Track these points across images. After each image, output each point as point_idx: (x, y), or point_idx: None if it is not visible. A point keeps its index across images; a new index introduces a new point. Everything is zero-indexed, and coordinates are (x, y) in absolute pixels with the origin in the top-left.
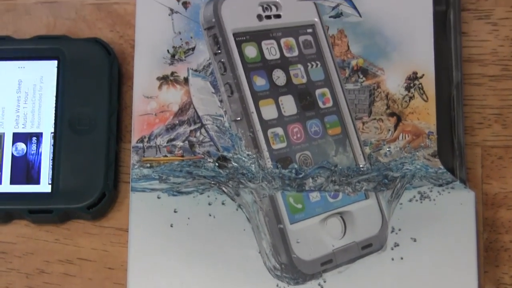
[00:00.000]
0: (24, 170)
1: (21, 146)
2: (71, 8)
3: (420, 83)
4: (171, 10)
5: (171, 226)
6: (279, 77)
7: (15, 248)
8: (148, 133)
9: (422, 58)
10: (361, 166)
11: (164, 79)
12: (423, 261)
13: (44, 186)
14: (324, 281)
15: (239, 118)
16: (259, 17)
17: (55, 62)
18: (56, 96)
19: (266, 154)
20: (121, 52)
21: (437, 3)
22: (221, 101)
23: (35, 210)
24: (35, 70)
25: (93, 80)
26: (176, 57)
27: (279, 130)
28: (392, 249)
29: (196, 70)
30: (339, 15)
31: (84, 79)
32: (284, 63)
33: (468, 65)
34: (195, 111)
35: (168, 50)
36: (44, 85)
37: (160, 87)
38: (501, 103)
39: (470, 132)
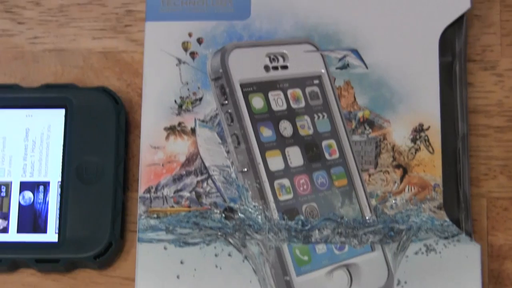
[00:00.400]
0: (31, 219)
1: (28, 195)
2: (78, 56)
3: (426, 135)
4: (179, 60)
5: (178, 277)
6: (285, 128)
7: None
8: (155, 184)
9: (428, 109)
10: (367, 218)
11: (172, 130)
12: None
13: (51, 235)
14: None
15: (245, 169)
16: (266, 68)
17: (63, 111)
18: (64, 145)
19: (272, 205)
20: (128, 101)
21: (443, 54)
22: (228, 152)
23: (42, 259)
24: (42, 119)
25: (101, 129)
26: (184, 107)
27: (286, 182)
28: None
29: (203, 121)
30: (345, 66)
31: (91, 128)
32: (291, 114)
33: (474, 116)
34: (202, 161)
35: (175, 101)
36: (51, 134)
37: (167, 137)
38: (506, 155)
39: (475, 183)
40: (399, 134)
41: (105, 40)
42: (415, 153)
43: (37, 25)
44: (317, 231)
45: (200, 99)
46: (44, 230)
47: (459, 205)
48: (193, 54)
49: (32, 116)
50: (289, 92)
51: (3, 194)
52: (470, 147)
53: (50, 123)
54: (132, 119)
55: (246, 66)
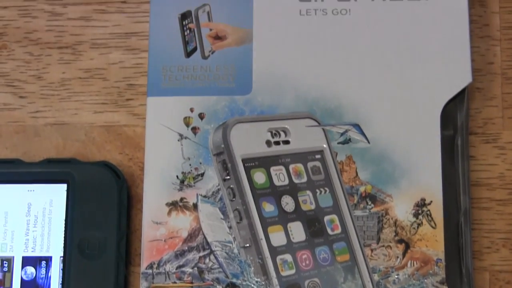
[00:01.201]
0: None
1: (31, 270)
2: (80, 130)
3: (428, 210)
4: (181, 135)
5: None
6: (287, 203)
7: None
8: (157, 259)
9: (430, 184)
10: None
11: (174, 205)
12: None
13: None
14: None
15: (248, 245)
16: (268, 143)
17: (65, 186)
18: (66, 220)
19: (275, 281)
20: (130, 174)
21: (444, 128)
22: (230, 227)
23: None
24: (44, 194)
25: (103, 204)
26: (185, 183)
27: (288, 257)
28: None
29: (205, 196)
30: (347, 141)
31: (93, 203)
32: (292, 189)
33: (476, 189)
34: (204, 237)
35: (177, 176)
36: (53, 209)
37: (169, 213)
38: (509, 228)
39: (478, 256)
40: (401, 209)
41: (106, 114)
42: (417, 227)
43: (39, 99)
44: None
45: (202, 175)
46: None
47: (461, 279)
48: (194, 129)
49: (34, 191)
50: (291, 167)
51: (5, 269)
52: (473, 221)
53: (52, 198)
54: (134, 193)
55: (248, 141)
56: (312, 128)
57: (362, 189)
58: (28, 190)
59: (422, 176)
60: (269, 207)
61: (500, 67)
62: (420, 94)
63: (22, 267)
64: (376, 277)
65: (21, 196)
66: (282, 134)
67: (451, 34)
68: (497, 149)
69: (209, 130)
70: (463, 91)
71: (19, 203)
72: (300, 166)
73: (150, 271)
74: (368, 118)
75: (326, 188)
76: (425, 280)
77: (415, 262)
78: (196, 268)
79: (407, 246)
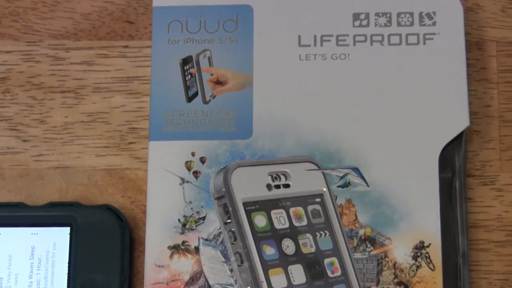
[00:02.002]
0: None
1: None
2: (83, 173)
3: (427, 252)
4: (182, 179)
5: None
6: (288, 246)
7: None
8: None
9: (429, 226)
10: None
11: (175, 248)
12: None
13: None
14: None
15: (249, 287)
16: (269, 186)
17: (68, 229)
18: (69, 263)
19: None
20: (132, 217)
21: (443, 171)
22: (231, 270)
23: None
24: (48, 237)
25: (106, 247)
26: (187, 226)
27: None
28: None
29: (206, 239)
30: (347, 184)
31: (96, 246)
32: (293, 232)
33: (474, 230)
34: (206, 280)
35: (179, 219)
36: (57, 252)
37: (171, 256)
38: (506, 269)
39: None
40: (400, 252)
41: (109, 157)
42: (416, 270)
43: (42, 142)
44: None
45: (204, 218)
46: None
47: None
48: (196, 173)
49: (38, 234)
50: (291, 210)
51: None
52: (471, 262)
53: (56, 241)
54: (137, 236)
55: (249, 184)
56: (312, 171)
57: (361, 232)
58: (32, 233)
59: (420, 218)
60: (270, 250)
61: (497, 110)
62: (419, 137)
63: None
64: None
65: (25, 239)
66: (283, 177)
67: (449, 77)
68: (495, 191)
69: (210, 174)
70: (461, 134)
71: (22, 246)
72: (300, 209)
73: None
74: (367, 161)
75: (326, 231)
76: None
77: None
78: None
79: None
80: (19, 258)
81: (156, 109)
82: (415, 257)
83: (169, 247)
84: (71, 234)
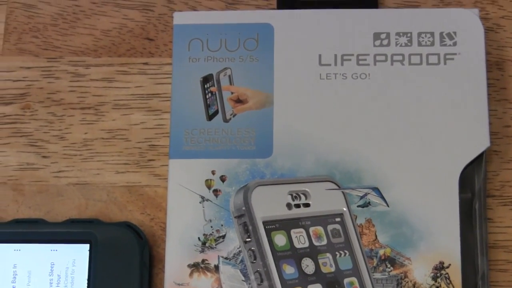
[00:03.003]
0: None
1: None
2: (102, 190)
3: (447, 273)
4: (202, 198)
5: None
6: (308, 265)
7: None
8: None
9: (449, 247)
10: None
11: (195, 267)
12: None
13: None
14: None
15: None
16: (289, 205)
17: (87, 246)
18: (88, 280)
19: None
20: (151, 235)
21: (462, 191)
22: None
23: None
24: (67, 254)
25: (125, 264)
26: (207, 244)
27: None
28: None
29: (226, 258)
30: (367, 204)
31: (115, 263)
32: (313, 252)
33: (493, 251)
34: None
35: (199, 238)
36: (76, 268)
37: (191, 274)
38: None
39: None
40: (420, 272)
41: (128, 174)
42: None
43: (62, 159)
44: None
45: (223, 237)
46: None
47: None
48: (216, 192)
49: (57, 250)
50: (311, 229)
51: None
52: (490, 282)
53: (75, 257)
54: (156, 253)
55: (269, 203)
56: (332, 191)
57: (381, 252)
58: (51, 250)
59: (440, 239)
60: (289, 269)
61: None
62: (439, 158)
63: None
64: None
65: (44, 256)
66: (303, 197)
67: (469, 98)
68: None
69: (230, 193)
70: (481, 155)
71: (42, 262)
72: (320, 229)
73: None
74: (387, 181)
75: (346, 251)
76: None
77: None
78: None
79: None
80: (38, 274)
81: (177, 127)
82: (434, 278)
83: (189, 265)
84: (90, 251)
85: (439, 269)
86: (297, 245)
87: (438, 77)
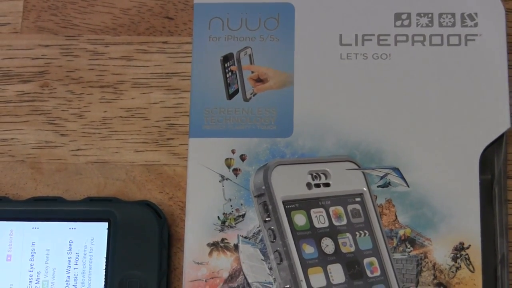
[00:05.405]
0: None
1: None
2: (121, 169)
3: (467, 254)
4: (222, 177)
5: None
6: (327, 245)
7: None
8: None
9: (469, 228)
10: None
11: (215, 246)
12: None
13: None
14: None
15: (288, 286)
16: (309, 185)
17: (106, 224)
18: (107, 258)
19: None
20: (170, 214)
21: (483, 173)
22: (270, 268)
23: None
24: (86, 232)
25: (144, 243)
26: (227, 223)
27: None
28: None
29: (246, 237)
30: (387, 184)
31: (134, 242)
32: (332, 232)
33: None
34: (245, 278)
35: (218, 217)
36: (94, 247)
37: (210, 253)
38: None
39: None
40: (440, 253)
41: (147, 153)
42: (456, 271)
43: (80, 137)
44: None
45: (243, 216)
46: None
47: None
48: (236, 171)
49: (76, 229)
50: (331, 209)
51: None
52: (510, 264)
53: (93, 236)
54: (174, 232)
55: (289, 183)
56: (352, 171)
57: (401, 232)
58: (70, 228)
59: (460, 220)
60: (309, 249)
61: None
62: (459, 139)
63: None
64: None
65: (63, 234)
66: (323, 176)
67: (490, 79)
68: None
69: (250, 172)
70: (501, 136)
71: (60, 240)
72: (340, 208)
73: None
74: (407, 162)
75: (366, 231)
76: None
77: None
78: None
79: None
80: (57, 252)
81: (197, 106)
82: (454, 259)
83: (208, 244)
84: (109, 229)
85: (459, 250)
86: (317, 224)
87: (459, 58)
